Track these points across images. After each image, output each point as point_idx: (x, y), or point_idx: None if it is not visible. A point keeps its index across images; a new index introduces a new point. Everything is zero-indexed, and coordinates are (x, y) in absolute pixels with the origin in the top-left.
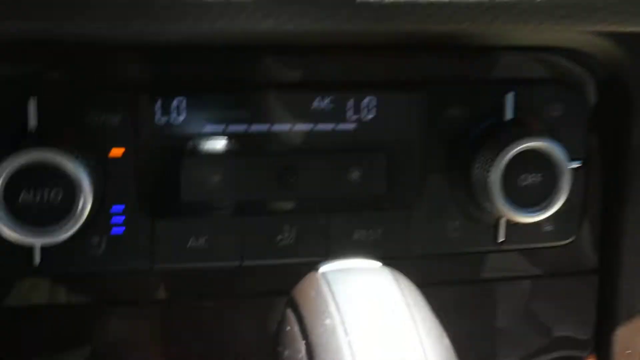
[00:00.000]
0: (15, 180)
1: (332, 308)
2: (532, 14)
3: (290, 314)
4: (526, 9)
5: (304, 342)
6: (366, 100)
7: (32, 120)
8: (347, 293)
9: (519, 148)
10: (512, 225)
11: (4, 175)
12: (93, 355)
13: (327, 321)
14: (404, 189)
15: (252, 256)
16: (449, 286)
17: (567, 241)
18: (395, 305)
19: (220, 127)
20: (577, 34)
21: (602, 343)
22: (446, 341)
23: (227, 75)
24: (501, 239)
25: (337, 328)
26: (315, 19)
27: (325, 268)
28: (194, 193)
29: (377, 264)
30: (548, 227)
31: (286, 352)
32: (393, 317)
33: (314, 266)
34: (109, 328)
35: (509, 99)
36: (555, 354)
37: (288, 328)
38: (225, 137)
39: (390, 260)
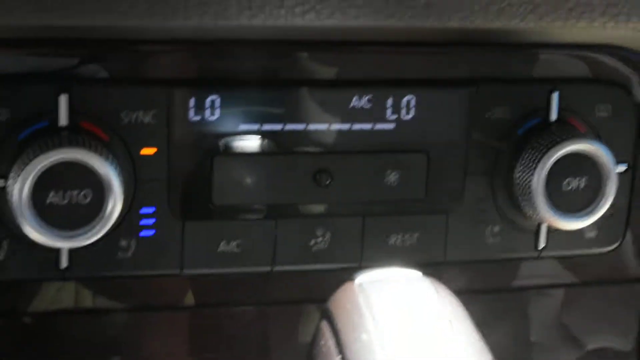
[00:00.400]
0: (44, 181)
1: (369, 322)
2: (585, 11)
3: (325, 327)
4: (578, 6)
5: (339, 357)
6: (406, 99)
7: (63, 118)
8: (385, 306)
9: (563, 151)
10: (553, 231)
11: (32, 175)
12: None
13: (364, 336)
14: (443, 193)
15: (285, 261)
16: (487, 294)
17: (611, 248)
18: (436, 320)
19: (254, 126)
20: (627, 31)
21: None
22: (489, 358)
23: (263, 72)
24: (542, 245)
25: (374, 343)
26: (359, 14)
27: (362, 278)
28: (227, 195)
29: (417, 274)
30: (591, 234)
31: None
32: (434, 332)
33: (347, 272)
34: (136, 334)
35: (554, 98)
36: None
37: (323, 342)
38: (260, 136)
39: (427, 266)
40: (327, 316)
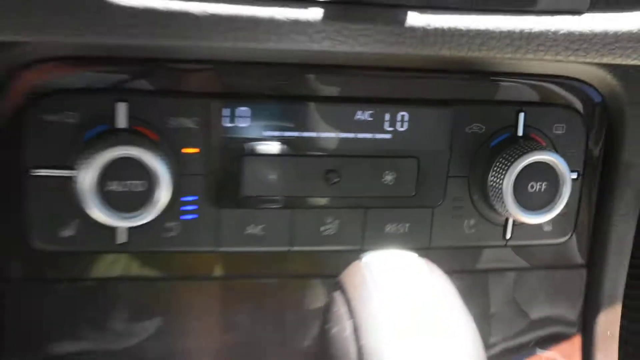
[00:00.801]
0: (106, 172)
1: (375, 292)
2: (552, 45)
3: (338, 297)
4: (546, 41)
5: (350, 321)
6: (400, 114)
7: (122, 122)
8: (388, 280)
9: (528, 160)
10: (518, 225)
11: (97, 166)
12: (162, 322)
13: (372, 304)
14: (429, 191)
15: (300, 243)
16: (464, 274)
17: (563, 240)
18: (430, 291)
19: (276, 133)
20: (582, 65)
21: (587, 325)
22: (473, 324)
23: (285, 89)
24: (509, 236)
25: (380, 311)
26: (367, 42)
27: (368, 257)
28: (253, 188)
29: (414, 255)
30: (548, 228)
31: (334, 330)
32: (429, 301)
33: (351, 254)
34: (177, 298)
35: (521, 118)
36: (550, 329)
37: (336, 309)
38: (281, 142)
39: (415, 250)
40: (340, 287)
